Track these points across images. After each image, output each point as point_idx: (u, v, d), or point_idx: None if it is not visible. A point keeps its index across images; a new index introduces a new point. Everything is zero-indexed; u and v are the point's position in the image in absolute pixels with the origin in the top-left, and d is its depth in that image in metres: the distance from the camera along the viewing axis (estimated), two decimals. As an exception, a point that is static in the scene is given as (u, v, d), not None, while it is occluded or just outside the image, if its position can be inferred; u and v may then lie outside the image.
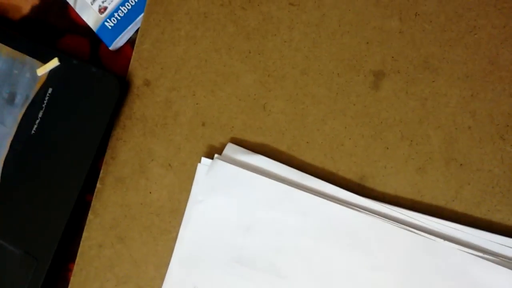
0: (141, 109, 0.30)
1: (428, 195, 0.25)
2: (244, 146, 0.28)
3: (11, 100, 0.32)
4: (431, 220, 0.25)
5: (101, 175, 0.31)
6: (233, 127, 0.28)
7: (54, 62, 0.31)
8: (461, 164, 0.25)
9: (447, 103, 0.25)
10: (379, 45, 0.26)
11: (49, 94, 0.31)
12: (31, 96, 0.31)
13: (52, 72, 0.31)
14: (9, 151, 0.31)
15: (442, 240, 0.25)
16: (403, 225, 0.25)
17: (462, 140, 0.25)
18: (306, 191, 0.26)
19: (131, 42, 0.32)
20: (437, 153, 0.25)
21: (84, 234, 0.31)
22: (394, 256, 0.25)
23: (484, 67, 0.25)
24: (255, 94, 0.28)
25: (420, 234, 0.25)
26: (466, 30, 0.25)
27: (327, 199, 0.26)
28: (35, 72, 0.31)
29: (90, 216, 0.31)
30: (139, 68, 0.30)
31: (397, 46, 0.26)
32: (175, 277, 0.28)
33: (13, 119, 0.31)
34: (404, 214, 0.25)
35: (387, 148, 0.26)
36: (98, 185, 0.31)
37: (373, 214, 0.25)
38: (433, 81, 0.26)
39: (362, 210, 0.25)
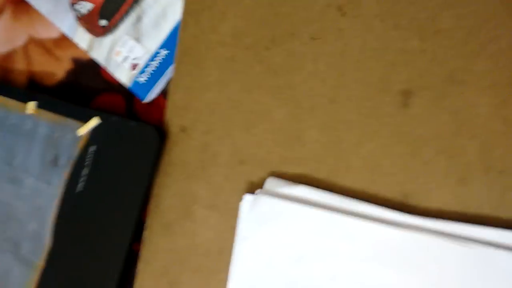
0: (180, 154, 0.32)
1: (473, 205, 0.26)
2: (284, 178, 0.29)
3: (55, 162, 0.34)
4: (479, 230, 0.25)
5: (147, 222, 0.32)
6: (271, 161, 0.30)
7: (94, 121, 0.33)
8: (500, 171, 0.26)
9: (478, 113, 0.27)
10: (404, 66, 0.28)
11: (91, 152, 0.33)
12: (74, 155, 0.33)
13: (93, 131, 0.33)
14: (58, 211, 0.33)
15: (494, 248, 0.25)
16: (452, 238, 0.25)
17: (499, 147, 0.26)
18: (351, 216, 0.27)
19: (163, 93, 0.34)
20: (475, 162, 0.26)
21: (135, 284, 0.32)
22: (447, 270, 0.25)
23: (510, 73, 0.26)
24: (288, 127, 0.30)
25: (470, 246, 0.25)
26: (486, 40, 0.27)
27: (373, 222, 0.27)
28: (76, 133, 0.33)
29: (140, 265, 0.32)
30: (174, 116, 0.32)
31: (421, 64, 0.28)
32: (231, 317, 0.28)
33: (58, 180, 0.34)
34: (452, 227, 0.26)
35: (426, 163, 0.27)
36: (145, 233, 0.32)
37: (421, 231, 0.26)
38: (462, 93, 0.27)
39: (410, 229, 0.26)
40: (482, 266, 0.25)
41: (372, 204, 0.27)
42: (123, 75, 0.34)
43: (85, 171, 0.33)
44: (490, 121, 0.26)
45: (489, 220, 0.26)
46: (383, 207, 0.27)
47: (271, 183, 0.29)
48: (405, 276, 0.26)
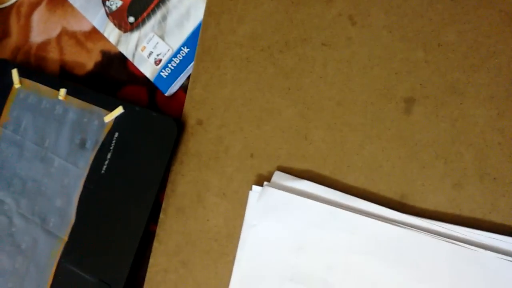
0: (195, 145, 0.32)
1: (466, 209, 0.26)
2: (290, 173, 0.29)
3: (82, 145, 0.34)
4: (471, 232, 0.25)
5: (163, 206, 0.32)
6: (278, 156, 0.30)
7: (119, 110, 0.33)
8: (494, 178, 0.26)
9: (476, 123, 0.26)
10: (407, 75, 0.28)
11: (115, 137, 0.33)
12: (100, 140, 0.34)
13: (117, 118, 0.33)
14: (82, 190, 0.34)
15: (483, 250, 0.25)
16: (445, 238, 0.25)
17: (493, 156, 0.26)
18: (351, 211, 0.27)
19: (183, 87, 0.34)
20: (471, 169, 0.26)
21: (151, 260, 0.32)
22: (438, 268, 0.25)
23: (507, 87, 0.26)
24: (296, 126, 0.30)
25: (461, 245, 0.25)
26: (487, 55, 0.26)
27: (371, 218, 0.27)
28: (103, 120, 0.34)
29: (155, 244, 0.32)
30: (192, 110, 0.32)
31: (424, 74, 0.27)
32: (234, 296, 0.29)
33: (85, 161, 0.34)
34: (445, 228, 0.26)
35: (424, 167, 0.27)
36: (161, 215, 0.32)
37: (415, 229, 0.26)
38: (461, 103, 0.27)
39: (405, 226, 0.26)
40: (470, 265, 0.25)
41: (371, 202, 0.27)
42: (148, 69, 0.34)
43: (108, 155, 0.33)
44: (487, 131, 0.26)
45: (480, 223, 0.25)
46: (381, 205, 0.27)
47: (278, 177, 0.29)
48: (398, 269, 0.26)
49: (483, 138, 0.26)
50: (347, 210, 0.27)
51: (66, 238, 0.34)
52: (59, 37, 0.39)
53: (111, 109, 0.34)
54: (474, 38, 0.27)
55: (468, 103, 0.26)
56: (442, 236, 0.25)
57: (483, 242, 0.25)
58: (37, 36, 0.40)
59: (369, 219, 0.27)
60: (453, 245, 0.25)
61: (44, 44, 0.39)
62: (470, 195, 0.26)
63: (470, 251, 0.25)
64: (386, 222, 0.26)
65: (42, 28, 0.39)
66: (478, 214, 0.26)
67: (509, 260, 0.24)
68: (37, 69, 0.39)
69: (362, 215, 0.27)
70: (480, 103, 0.26)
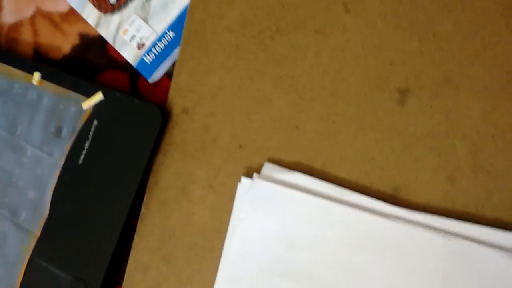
0: (181, 135, 0.31)
1: (459, 202, 0.26)
2: (281, 165, 0.29)
3: (58, 133, 0.32)
4: (463, 226, 0.25)
5: (145, 199, 0.31)
6: (269, 147, 0.29)
7: (99, 96, 0.31)
8: (487, 171, 0.26)
9: (470, 115, 0.26)
10: (402, 65, 0.27)
11: (94, 126, 0.31)
12: (78, 128, 0.32)
13: (96, 105, 0.32)
14: (57, 181, 0.32)
15: (475, 244, 0.25)
16: (437, 232, 0.25)
17: (487, 149, 0.26)
18: (343, 205, 0.26)
19: (168, 74, 0.33)
20: (464, 162, 0.26)
21: (130, 257, 0.31)
22: (431, 261, 0.25)
23: (502, 80, 0.26)
24: (288, 116, 0.29)
25: (454, 240, 0.25)
26: (482, 47, 0.26)
27: (363, 211, 0.26)
28: (81, 106, 0.32)
29: (135, 239, 0.31)
30: (177, 98, 0.31)
31: (419, 64, 0.27)
32: (220, 293, 0.28)
33: (60, 151, 0.32)
34: (438, 221, 0.25)
35: (417, 159, 0.26)
36: (142, 209, 0.31)
37: (408, 223, 0.26)
38: (455, 95, 0.26)
39: (397, 220, 0.26)
40: (463, 260, 0.25)
41: (364, 195, 0.27)
42: (130, 54, 0.33)
43: (87, 145, 0.31)
44: (481, 123, 0.26)
45: (474, 217, 0.25)
46: (374, 198, 0.26)
47: (268, 168, 0.29)
48: (388, 263, 0.25)
49: (476, 131, 0.26)
50: (339, 204, 0.27)
51: (38, 233, 0.32)
52: (32, 18, 0.37)
53: (89, 95, 0.32)
54: (469, 29, 0.26)
55: (462, 95, 0.26)
56: (435, 230, 0.25)
57: (475, 236, 0.25)
58: (8, 16, 0.37)
59: (362, 212, 0.26)
60: (446, 239, 0.25)
61: (16, 25, 0.37)
62: (463, 188, 0.26)
63: (463, 245, 0.25)
64: (378, 215, 0.26)
65: (14, 8, 0.37)
66: (471, 208, 0.26)
67: (501, 255, 0.24)
68: (8, 52, 0.37)
69: (354, 208, 0.26)
70: (474, 95, 0.26)
